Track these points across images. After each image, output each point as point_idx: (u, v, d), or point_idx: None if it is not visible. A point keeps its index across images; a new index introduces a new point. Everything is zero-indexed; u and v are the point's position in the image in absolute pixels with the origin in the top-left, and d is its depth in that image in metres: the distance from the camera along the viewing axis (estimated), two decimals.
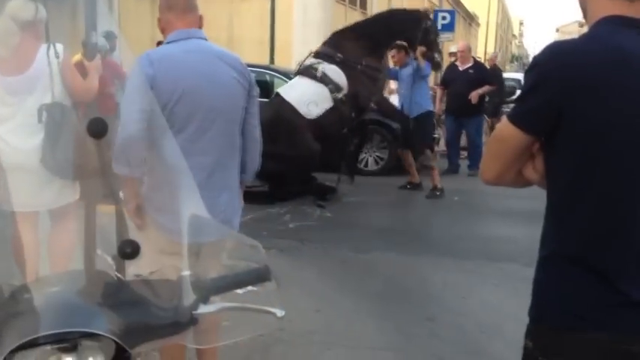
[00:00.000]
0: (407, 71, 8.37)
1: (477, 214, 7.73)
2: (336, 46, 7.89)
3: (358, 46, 7.83)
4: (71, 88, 3.55)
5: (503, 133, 1.67)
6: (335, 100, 7.53)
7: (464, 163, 10.59)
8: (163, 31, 2.78)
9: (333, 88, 7.55)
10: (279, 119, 7.21)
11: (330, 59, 7.74)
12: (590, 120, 1.53)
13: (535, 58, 1.64)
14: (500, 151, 1.69)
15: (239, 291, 1.40)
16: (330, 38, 8.27)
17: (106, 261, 1.28)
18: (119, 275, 1.24)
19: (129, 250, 1.24)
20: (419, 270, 5.45)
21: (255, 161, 2.97)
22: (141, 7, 18.45)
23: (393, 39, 8.14)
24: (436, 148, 9.72)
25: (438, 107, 10.12)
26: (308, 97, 7.49)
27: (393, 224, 7.06)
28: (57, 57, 3.46)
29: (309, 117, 7.44)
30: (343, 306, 4.56)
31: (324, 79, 7.59)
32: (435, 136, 10.03)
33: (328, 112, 7.52)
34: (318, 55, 7.94)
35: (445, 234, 6.71)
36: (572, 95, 1.52)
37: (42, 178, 3.41)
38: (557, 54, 1.59)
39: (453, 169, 10.45)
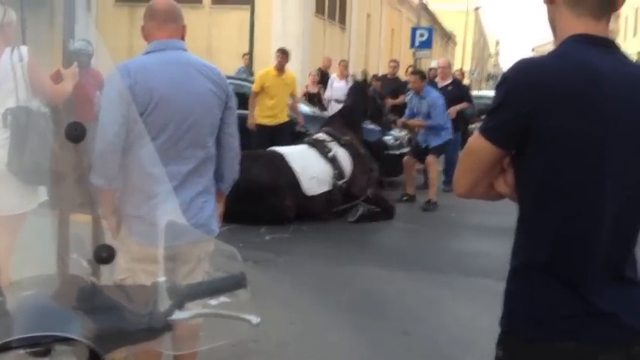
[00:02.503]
0: (424, 105, 8.63)
1: (451, 229, 7.79)
2: (339, 130, 7.82)
3: (354, 134, 7.84)
4: (40, 91, 3.51)
5: (474, 147, 1.70)
6: (334, 185, 7.42)
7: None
8: (146, 39, 2.79)
9: (337, 174, 7.43)
10: (276, 182, 7.06)
11: (337, 140, 7.66)
12: (558, 134, 1.57)
13: (505, 73, 1.68)
14: (471, 165, 1.73)
15: (213, 302, 1.40)
16: (329, 120, 8.31)
17: (81, 265, 1.27)
18: (94, 280, 1.23)
19: (105, 255, 1.23)
20: (394, 284, 5.47)
21: (233, 170, 2.99)
22: (119, 16, 18.40)
23: (359, 116, 8.20)
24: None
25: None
26: (313, 172, 7.31)
27: (368, 238, 7.08)
28: (20, 60, 3.39)
29: (307, 193, 7.24)
30: (318, 319, 4.56)
31: (334, 162, 7.47)
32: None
33: (323, 195, 7.37)
34: (325, 132, 7.88)
35: (420, 248, 6.75)
36: (540, 110, 1.56)
37: (7, 183, 3.35)
38: (526, 70, 1.63)
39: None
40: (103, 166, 2.55)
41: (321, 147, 7.58)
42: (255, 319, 1.25)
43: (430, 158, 8.62)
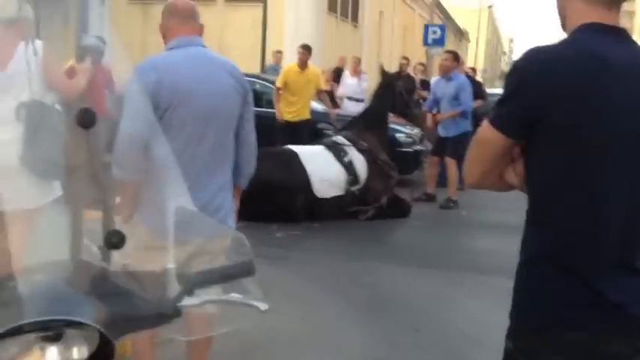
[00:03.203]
0: (450, 87, 8.40)
1: (463, 226, 7.77)
2: (359, 134, 7.69)
3: (376, 139, 7.70)
4: (54, 86, 3.54)
5: (484, 136, 1.70)
6: (347, 191, 7.33)
7: None
8: (164, 36, 2.84)
9: (352, 180, 7.34)
10: (288, 181, 7.00)
11: (355, 145, 7.55)
12: (567, 123, 1.56)
13: (515, 62, 1.68)
14: (481, 154, 1.72)
15: (223, 296, 1.41)
16: (350, 124, 8.16)
17: (92, 251, 1.28)
18: (105, 265, 1.24)
19: (115, 240, 1.24)
20: (405, 281, 5.46)
21: (250, 165, 3.02)
22: (132, 14, 18.48)
23: (384, 118, 8.13)
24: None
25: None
26: (326, 175, 7.22)
27: (379, 235, 7.07)
28: (35, 54, 3.42)
29: (317, 195, 7.16)
30: (329, 315, 4.57)
31: (349, 168, 7.37)
32: (423, 149, 10.09)
33: (334, 199, 7.26)
34: (344, 136, 7.75)
35: (432, 245, 6.74)
36: (550, 99, 1.56)
37: (21, 176, 3.37)
38: (536, 59, 1.63)
39: (440, 182, 10.47)
40: (127, 159, 2.56)
41: (337, 150, 7.49)
42: (263, 306, 1.26)
43: (448, 160, 8.44)
